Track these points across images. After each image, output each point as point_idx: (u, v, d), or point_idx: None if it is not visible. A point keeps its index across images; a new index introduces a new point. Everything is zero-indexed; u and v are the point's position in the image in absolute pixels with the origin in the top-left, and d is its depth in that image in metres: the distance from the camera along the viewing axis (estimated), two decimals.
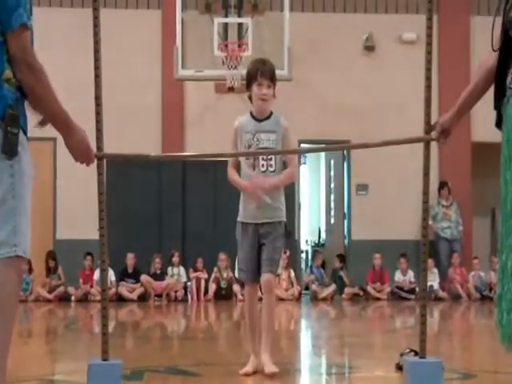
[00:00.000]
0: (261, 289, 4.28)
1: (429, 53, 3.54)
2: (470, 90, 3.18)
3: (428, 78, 3.56)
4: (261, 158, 4.17)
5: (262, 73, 4.16)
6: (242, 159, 4.23)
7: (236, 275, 4.71)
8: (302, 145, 13.20)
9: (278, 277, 10.98)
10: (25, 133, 2.78)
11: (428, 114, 3.56)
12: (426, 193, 3.61)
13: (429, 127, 3.57)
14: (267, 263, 4.17)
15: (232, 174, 4.30)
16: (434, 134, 3.51)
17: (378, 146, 3.99)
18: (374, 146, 3.99)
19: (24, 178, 2.72)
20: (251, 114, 4.29)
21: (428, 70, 3.54)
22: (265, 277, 4.17)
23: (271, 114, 4.27)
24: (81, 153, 2.92)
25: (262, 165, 4.18)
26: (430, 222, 11.78)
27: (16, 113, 2.69)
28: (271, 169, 4.19)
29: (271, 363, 4.09)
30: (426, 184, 3.60)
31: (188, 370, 4.50)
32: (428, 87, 3.59)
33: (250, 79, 4.23)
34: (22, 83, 2.70)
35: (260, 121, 4.23)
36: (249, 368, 4.13)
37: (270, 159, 4.18)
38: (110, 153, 3.43)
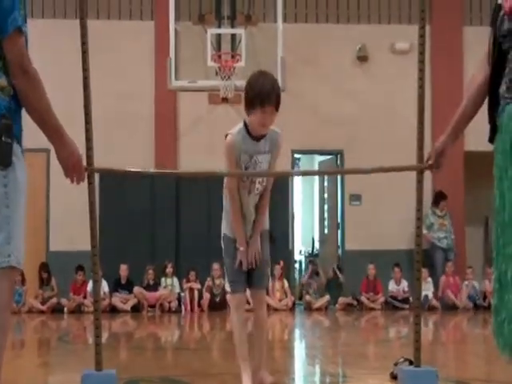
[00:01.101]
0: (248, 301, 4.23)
1: (421, 62, 3.55)
2: (460, 113, 3.15)
3: (421, 87, 3.56)
4: (257, 181, 3.92)
5: (269, 100, 3.72)
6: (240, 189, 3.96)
7: (227, 289, 4.60)
8: (296, 155, 13.25)
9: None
10: (19, 142, 2.77)
11: (421, 147, 3.55)
12: (419, 226, 3.59)
13: (421, 159, 3.55)
14: (258, 279, 4.05)
15: (235, 204, 3.90)
16: (429, 162, 3.46)
17: (371, 173, 4.00)
18: (369, 172, 4.00)
19: (18, 187, 2.71)
20: (246, 129, 3.85)
21: (420, 79, 3.54)
22: (257, 292, 4.07)
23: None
24: (72, 166, 2.88)
25: (257, 188, 3.95)
26: (425, 232, 11.80)
27: (9, 122, 2.67)
28: (262, 188, 4.00)
29: (268, 374, 4.03)
30: (420, 211, 3.58)
31: (182, 380, 4.48)
32: (421, 112, 3.55)
33: (253, 100, 3.74)
34: (16, 88, 2.69)
35: (257, 140, 3.86)
36: (248, 382, 3.86)
37: (263, 181, 3.96)
38: (101, 167, 3.41)
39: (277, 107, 3.78)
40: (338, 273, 12.11)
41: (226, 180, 4.01)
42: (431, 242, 12.06)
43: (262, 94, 3.69)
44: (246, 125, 3.85)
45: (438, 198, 12.19)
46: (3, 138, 2.63)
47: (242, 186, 3.93)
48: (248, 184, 3.91)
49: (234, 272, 4.04)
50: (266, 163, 3.91)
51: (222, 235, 4.10)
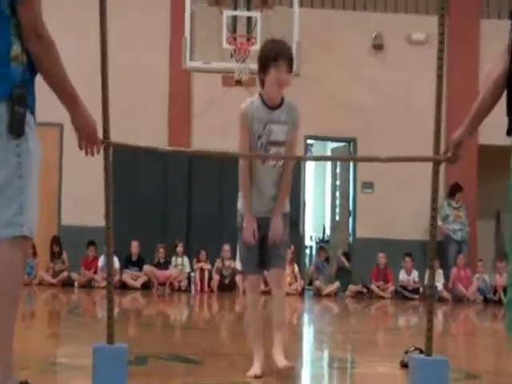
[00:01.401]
0: (265, 283, 4.15)
1: (440, 51, 3.48)
2: (477, 106, 3.10)
3: (439, 76, 3.49)
4: (271, 150, 3.82)
5: (282, 55, 3.72)
6: (255, 149, 3.85)
7: (238, 267, 4.54)
8: (309, 140, 13.20)
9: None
10: (32, 112, 2.75)
11: (438, 138, 3.49)
12: (434, 216, 3.55)
13: (438, 150, 3.49)
14: (276, 260, 3.94)
15: (244, 176, 3.83)
16: (448, 155, 3.37)
17: (387, 162, 3.95)
18: (385, 161, 3.93)
19: (31, 157, 2.69)
20: (262, 98, 3.82)
21: (439, 68, 3.47)
22: (274, 272, 3.94)
23: (283, 100, 3.85)
24: (87, 136, 2.87)
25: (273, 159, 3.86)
26: (440, 223, 11.80)
27: (23, 92, 2.65)
28: (280, 163, 3.87)
29: (283, 358, 3.84)
30: (435, 202, 3.54)
31: (191, 357, 4.49)
32: (438, 105, 3.49)
33: (266, 60, 3.74)
34: (30, 54, 2.67)
35: (273, 109, 3.80)
36: (257, 370, 3.79)
37: (280, 153, 3.84)
38: (119, 142, 3.38)
39: (290, 65, 3.77)
40: (344, 260, 12.10)
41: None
42: (446, 233, 12.02)
43: (273, 52, 3.73)
44: (261, 95, 3.84)
45: (454, 189, 12.14)
46: (16, 108, 2.62)
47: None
48: (263, 153, 3.84)
49: (246, 252, 3.95)
50: (281, 134, 3.82)
51: (238, 213, 3.99)
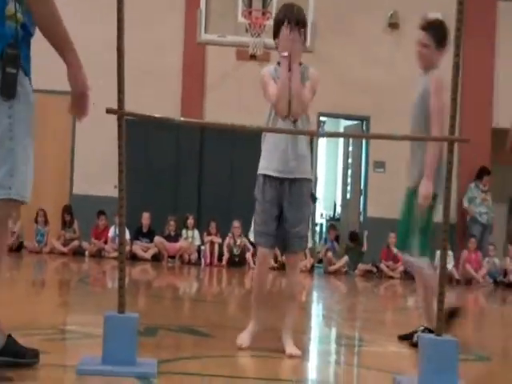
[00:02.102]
0: (275, 259, 4.09)
1: (458, 29, 3.42)
2: None
3: (457, 55, 3.43)
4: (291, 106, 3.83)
5: (292, 14, 3.87)
6: (272, 116, 3.88)
7: (251, 238, 4.41)
8: (322, 118, 13.13)
9: None
10: (27, 74, 2.70)
11: (453, 118, 3.44)
12: (447, 197, 3.51)
13: (453, 130, 3.43)
14: (297, 241, 3.81)
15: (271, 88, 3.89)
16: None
17: (400, 140, 3.90)
18: (397, 139, 3.89)
19: (24, 120, 2.64)
20: (278, 64, 3.95)
21: (457, 46, 3.42)
22: (290, 256, 3.88)
23: (300, 65, 3.91)
24: (80, 93, 2.81)
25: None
26: (466, 205, 11.82)
27: (16, 52, 2.60)
28: (302, 122, 3.91)
29: (293, 344, 3.82)
30: (449, 181, 3.50)
31: (200, 330, 4.51)
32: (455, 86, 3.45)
33: (278, 24, 3.91)
34: (29, 9, 2.62)
35: (289, 69, 3.86)
36: (245, 338, 3.86)
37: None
38: (131, 112, 3.35)
39: (302, 24, 3.89)
40: (352, 240, 12.09)
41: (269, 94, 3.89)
42: (472, 215, 12.02)
43: (284, 13, 3.90)
44: (278, 63, 3.96)
45: (482, 172, 12.16)
46: (7, 69, 2.57)
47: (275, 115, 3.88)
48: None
49: (262, 222, 3.82)
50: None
51: (257, 179, 3.88)
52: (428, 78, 4.50)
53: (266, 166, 3.82)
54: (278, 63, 3.96)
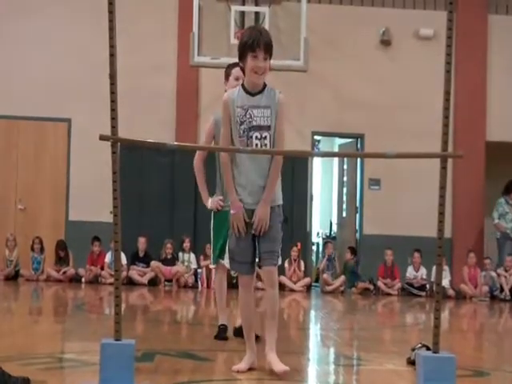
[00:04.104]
0: (258, 278, 4.06)
1: (449, 46, 3.46)
2: None
3: (448, 71, 3.47)
4: (254, 136, 3.74)
5: (258, 43, 3.71)
6: (235, 138, 3.78)
7: (226, 264, 4.45)
8: (316, 136, 13.19)
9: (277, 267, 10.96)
10: None
11: (446, 134, 3.47)
12: (441, 212, 3.54)
13: (446, 146, 3.47)
14: (268, 256, 3.81)
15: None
16: None
17: (393, 158, 3.92)
18: (391, 157, 3.90)
19: None
20: (243, 86, 3.83)
21: (448, 63, 3.45)
22: (267, 269, 3.82)
23: (265, 86, 3.81)
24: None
25: (256, 144, 3.74)
26: (497, 221, 11.75)
27: None
28: (265, 147, 3.78)
29: (279, 361, 3.80)
30: (442, 202, 3.52)
31: (198, 354, 4.49)
32: (447, 100, 3.47)
33: (243, 49, 3.77)
34: None
35: (253, 95, 3.77)
36: (244, 364, 3.85)
37: (265, 138, 3.74)
38: (125, 138, 3.37)
39: (267, 52, 3.75)
40: (348, 255, 12.07)
41: (220, 142, 3.94)
42: (502, 231, 11.92)
43: (249, 41, 3.74)
44: (242, 84, 3.87)
45: (511, 187, 12.06)
46: None
47: (240, 141, 3.75)
48: (245, 140, 3.74)
49: (236, 249, 3.83)
50: (263, 118, 3.75)
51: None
52: None
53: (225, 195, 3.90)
54: (243, 84, 3.85)
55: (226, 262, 4.01)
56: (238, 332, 5.21)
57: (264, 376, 3.79)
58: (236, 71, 5.30)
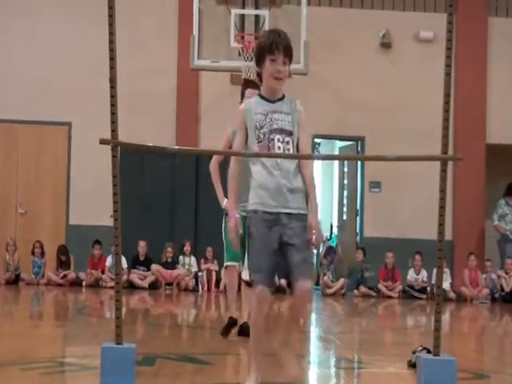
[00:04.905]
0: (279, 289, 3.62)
1: (449, 49, 3.46)
2: None
3: (448, 74, 3.48)
4: (276, 138, 3.41)
5: (276, 46, 3.42)
6: (253, 144, 3.44)
7: (244, 276, 4.18)
8: (316, 139, 13.20)
9: None
10: None
11: (446, 136, 3.48)
12: (442, 214, 3.54)
13: (446, 149, 3.47)
14: (304, 268, 3.31)
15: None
16: None
17: (393, 161, 3.91)
18: (391, 160, 3.90)
19: None
20: (260, 95, 3.55)
21: (447, 66, 3.46)
22: (304, 285, 3.29)
23: (283, 96, 3.53)
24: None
25: (278, 147, 3.41)
26: (496, 222, 11.74)
27: None
28: (290, 151, 3.44)
29: (295, 363, 3.52)
30: (443, 205, 3.52)
31: (199, 357, 4.49)
32: (447, 103, 3.47)
33: (261, 53, 3.46)
34: None
35: (272, 102, 3.48)
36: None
37: (288, 142, 3.41)
38: (125, 142, 3.36)
39: (286, 55, 3.44)
40: (359, 255, 12.01)
41: (233, 146, 3.62)
42: (502, 232, 11.92)
43: (268, 43, 3.44)
44: (259, 94, 3.59)
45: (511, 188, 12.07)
46: None
47: (259, 146, 3.42)
48: (266, 143, 3.41)
49: (257, 258, 3.34)
50: (285, 123, 3.46)
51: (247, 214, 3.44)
52: None
53: (256, 198, 3.44)
54: (260, 93, 3.57)
55: (244, 272, 3.69)
56: (242, 331, 5.26)
57: (271, 379, 3.78)
58: (249, 92, 5.60)
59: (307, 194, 3.46)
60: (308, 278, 3.34)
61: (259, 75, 3.64)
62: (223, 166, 5.62)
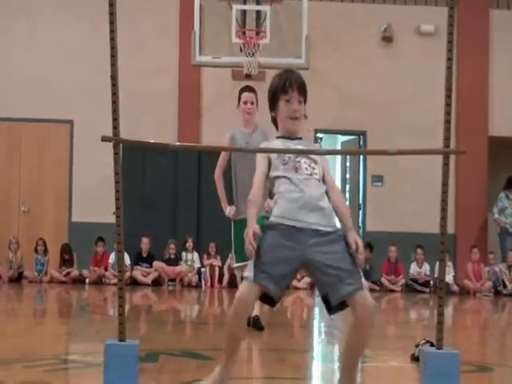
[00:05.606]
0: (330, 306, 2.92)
1: (450, 42, 3.45)
2: None
3: (449, 68, 3.47)
4: (302, 161, 3.09)
5: (290, 84, 3.15)
6: (277, 170, 3.09)
7: (247, 276, 3.09)
8: (319, 134, 13.19)
9: None
10: None
11: (448, 130, 3.46)
12: (444, 208, 3.53)
13: (448, 142, 3.46)
14: (355, 276, 2.90)
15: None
16: None
17: (395, 155, 3.90)
18: (393, 154, 3.88)
19: None
20: (278, 137, 3.24)
21: (449, 59, 3.44)
22: (366, 298, 2.90)
23: (301, 138, 3.24)
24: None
25: (306, 168, 3.08)
26: (496, 216, 11.75)
27: None
28: (316, 176, 3.08)
29: None
30: (445, 198, 3.52)
31: (202, 353, 4.50)
32: (448, 96, 3.46)
33: (274, 94, 3.19)
34: None
35: (292, 139, 3.18)
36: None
37: (314, 168, 3.10)
38: (127, 139, 3.35)
39: (301, 93, 3.17)
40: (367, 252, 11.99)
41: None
42: (502, 226, 11.92)
43: (281, 83, 3.18)
44: (278, 136, 3.28)
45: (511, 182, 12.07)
46: None
47: (286, 168, 3.08)
48: (293, 164, 3.08)
49: (267, 263, 2.87)
50: (307, 158, 3.17)
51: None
52: None
53: (281, 210, 3.06)
54: (278, 137, 3.24)
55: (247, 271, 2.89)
56: (254, 324, 5.34)
57: (274, 374, 3.79)
58: (244, 96, 5.87)
59: (339, 213, 3.07)
60: (362, 288, 2.91)
61: (274, 121, 3.26)
62: (227, 174, 5.76)
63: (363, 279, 2.97)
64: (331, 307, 2.96)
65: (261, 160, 3.15)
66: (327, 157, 3.33)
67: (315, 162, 3.14)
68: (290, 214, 2.96)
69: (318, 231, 2.92)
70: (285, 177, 3.05)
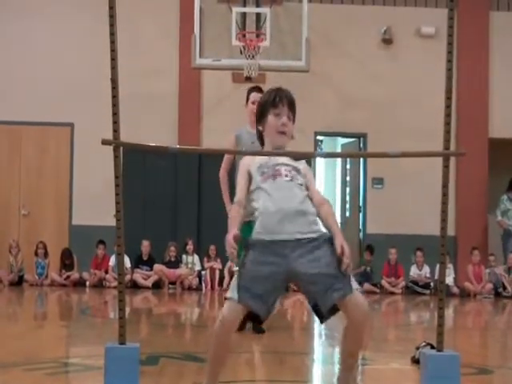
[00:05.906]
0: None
1: (450, 44, 3.45)
2: None
3: (449, 69, 3.47)
4: (283, 168, 3.01)
5: (280, 99, 3.10)
6: (255, 181, 3.01)
7: (230, 297, 2.84)
8: (319, 136, 13.19)
9: None
10: None
11: (448, 132, 3.47)
12: (444, 210, 3.54)
13: (448, 144, 3.46)
14: (344, 280, 2.82)
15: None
16: None
17: (396, 157, 3.90)
18: (393, 156, 3.89)
19: None
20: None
21: (449, 61, 3.45)
22: (358, 299, 2.82)
23: None
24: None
25: (286, 174, 3.00)
26: (499, 218, 11.74)
27: None
28: (298, 181, 3.00)
29: None
30: (445, 201, 3.52)
31: (202, 356, 4.49)
32: (448, 98, 3.46)
33: (264, 108, 3.12)
34: None
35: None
36: None
37: (294, 175, 3.02)
38: (127, 142, 3.35)
39: (291, 109, 3.12)
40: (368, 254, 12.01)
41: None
42: (505, 228, 11.92)
43: (271, 98, 3.13)
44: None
45: None
46: None
47: (264, 177, 3.01)
48: (271, 172, 3.01)
49: (248, 279, 2.84)
50: (290, 167, 3.10)
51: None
52: None
53: (263, 228, 3.00)
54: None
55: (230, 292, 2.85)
56: (256, 326, 5.39)
57: (274, 377, 3.79)
58: (253, 96, 5.81)
59: (327, 225, 2.98)
60: (351, 291, 2.81)
61: (260, 136, 3.18)
62: (231, 174, 5.75)
63: (353, 281, 2.89)
64: (322, 315, 2.88)
65: (241, 176, 3.08)
66: (325, 163, 3.32)
67: (297, 170, 3.06)
68: (270, 228, 2.89)
69: (301, 240, 2.86)
70: (262, 188, 2.98)
